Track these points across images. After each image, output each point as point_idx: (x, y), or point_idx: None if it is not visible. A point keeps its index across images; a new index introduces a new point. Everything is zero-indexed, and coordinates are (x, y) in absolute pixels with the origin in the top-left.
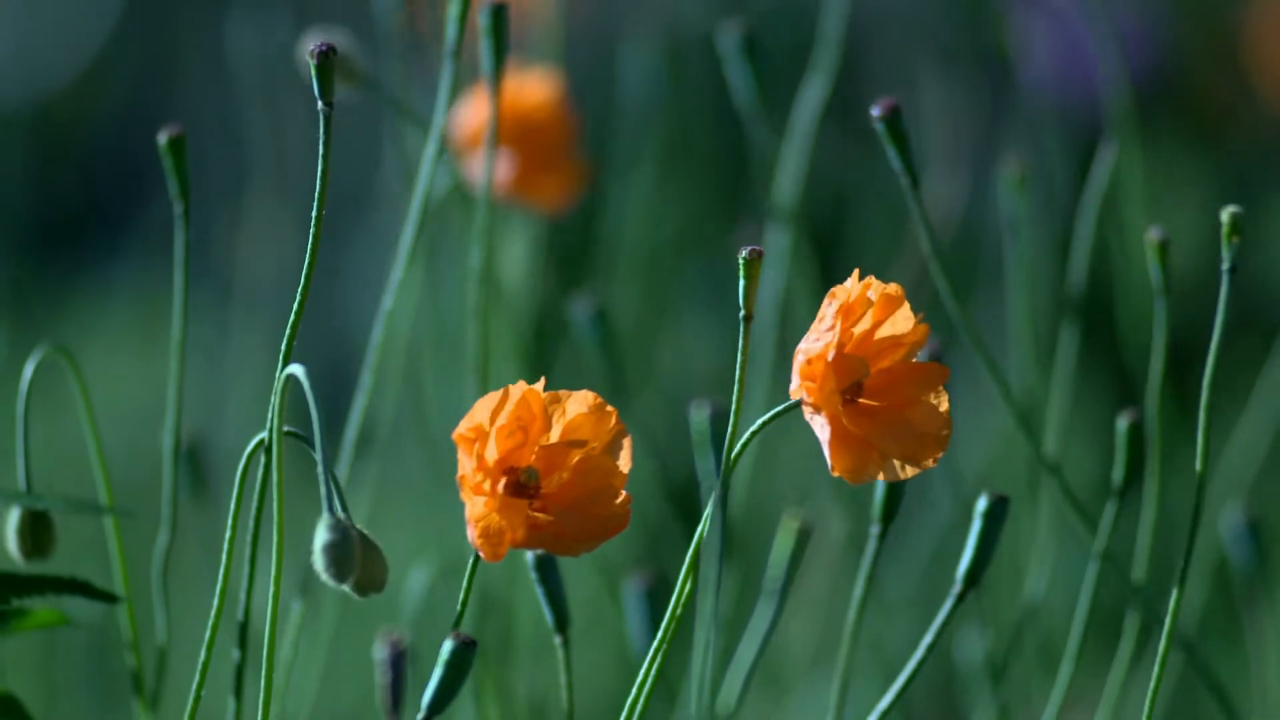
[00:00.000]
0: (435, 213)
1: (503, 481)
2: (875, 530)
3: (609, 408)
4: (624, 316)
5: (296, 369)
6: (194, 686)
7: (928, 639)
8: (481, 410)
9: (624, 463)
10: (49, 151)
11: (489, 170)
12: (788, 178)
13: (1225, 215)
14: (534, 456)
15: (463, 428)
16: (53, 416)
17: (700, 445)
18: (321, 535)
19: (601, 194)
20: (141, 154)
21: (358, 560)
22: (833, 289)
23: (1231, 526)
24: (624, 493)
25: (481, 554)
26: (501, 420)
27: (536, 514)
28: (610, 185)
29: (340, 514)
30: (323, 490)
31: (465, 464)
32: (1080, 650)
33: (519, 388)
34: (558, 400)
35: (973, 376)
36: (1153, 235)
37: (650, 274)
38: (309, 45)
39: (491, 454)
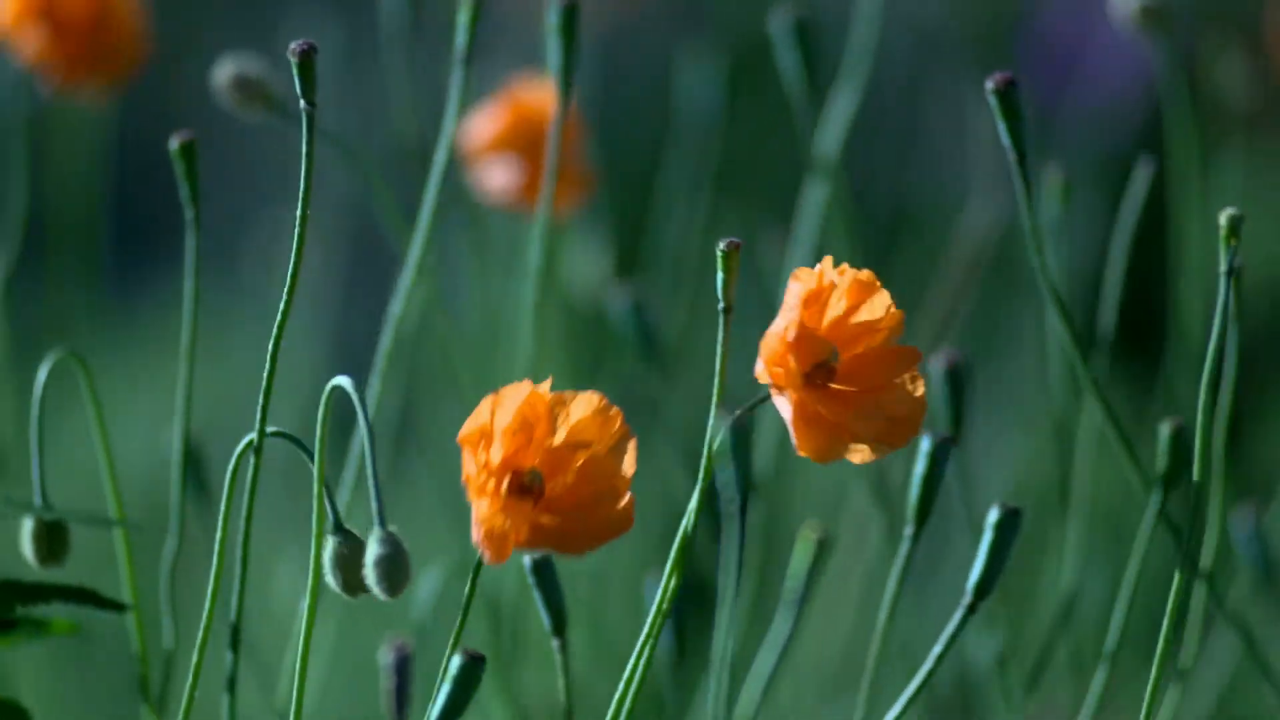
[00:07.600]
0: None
1: (506, 482)
2: (909, 531)
3: (614, 410)
4: (669, 327)
5: (344, 381)
6: (186, 688)
7: (937, 649)
8: (485, 411)
9: (628, 465)
10: (70, 160)
11: (552, 180)
12: (819, 174)
13: (1223, 218)
14: (538, 458)
15: (467, 429)
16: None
17: (720, 454)
18: (374, 549)
19: (651, 204)
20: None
21: (408, 574)
22: (796, 270)
23: (1242, 530)
24: (628, 494)
25: (485, 555)
26: (506, 420)
27: (540, 516)
28: (661, 196)
29: (390, 527)
30: (374, 505)
31: (470, 465)
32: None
33: (524, 387)
34: (562, 402)
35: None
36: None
37: (698, 285)
38: (224, 71)
39: (496, 455)
